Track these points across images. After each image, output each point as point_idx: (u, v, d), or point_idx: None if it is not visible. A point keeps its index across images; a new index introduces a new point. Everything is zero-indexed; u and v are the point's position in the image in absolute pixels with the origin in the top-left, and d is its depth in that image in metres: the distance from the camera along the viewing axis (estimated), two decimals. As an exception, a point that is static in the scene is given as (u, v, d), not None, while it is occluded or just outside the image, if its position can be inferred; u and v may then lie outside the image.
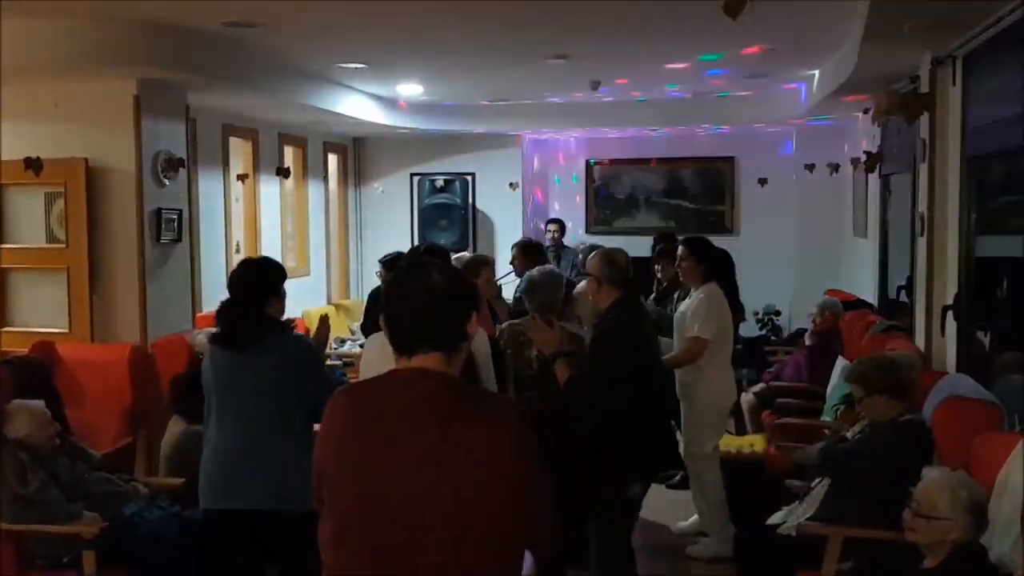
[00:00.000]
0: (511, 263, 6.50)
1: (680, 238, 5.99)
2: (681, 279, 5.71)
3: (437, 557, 1.86)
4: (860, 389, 4.13)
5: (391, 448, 1.90)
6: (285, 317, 3.92)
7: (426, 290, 1.98)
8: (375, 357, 3.54)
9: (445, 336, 1.98)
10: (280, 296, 3.79)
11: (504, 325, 4.64)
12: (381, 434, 1.92)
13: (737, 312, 5.71)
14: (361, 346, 7.50)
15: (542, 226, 10.44)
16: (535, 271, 4.70)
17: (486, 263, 5.36)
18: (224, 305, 3.78)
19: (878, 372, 4.13)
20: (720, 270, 5.54)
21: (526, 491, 1.94)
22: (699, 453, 5.31)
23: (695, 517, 5.54)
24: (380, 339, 3.46)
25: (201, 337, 5.77)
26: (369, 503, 1.90)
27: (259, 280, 3.76)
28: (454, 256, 5.79)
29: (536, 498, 1.97)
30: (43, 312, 5.77)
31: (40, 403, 4.37)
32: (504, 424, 1.96)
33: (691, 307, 5.28)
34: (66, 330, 5.78)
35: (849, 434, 4.41)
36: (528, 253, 6.33)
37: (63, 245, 5.80)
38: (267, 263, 4.00)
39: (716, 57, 6.91)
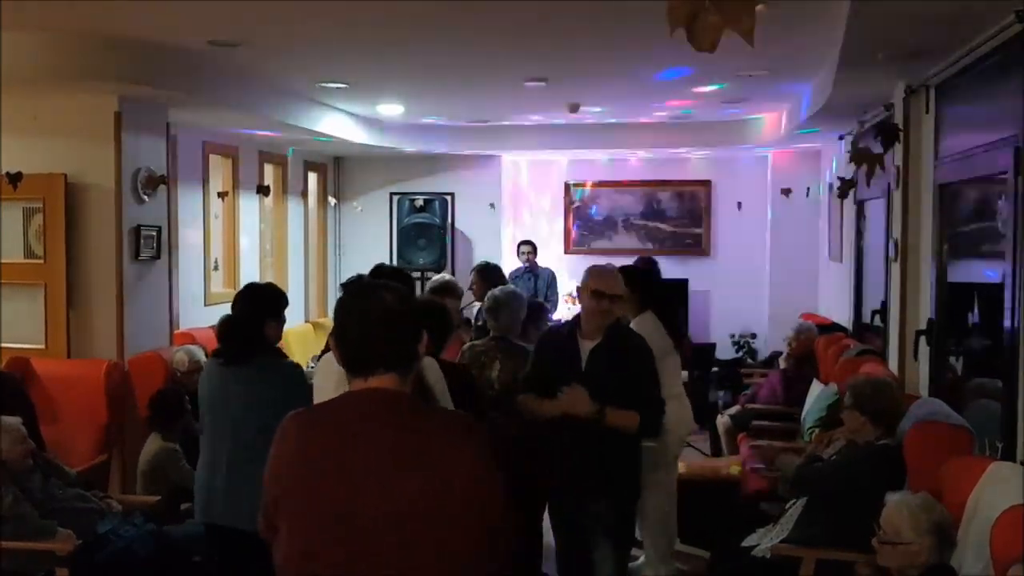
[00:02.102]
0: (470, 287, 6.16)
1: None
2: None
3: (395, 570, 1.85)
4: (851, 399, 4.19)
5: (349, 466, 1.89)
6: None
7: (377, 311, 1.97)
8: (327, 382, 3.32)
9: (397, 357, 1.98)
10: (279, 320, 3.90)
11: (465, 347, 4.63)
12: (338, 452, 1.91)
13: (680, 339, 5.32)
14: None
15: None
16: (497, 290, 4.70)
17: (450, 292, 5.07)
18: (222, 319, 3.94)
19: (871, 392, 4.19)
20: (658, 298, 5.26)
21: (485, 504, 1.92)
22: (649, 482, 4.90)
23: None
24: (330, 363, 3.38)
25: (180, 355, 5.76)
26: (330, 521, 1.89)
27: (259, 300, 3.88)
28: (438, 277, 5.71)
29: (495, 513, 1.95)
30: (19, 327, 5.72)
31: (16, 420, 4.35)
32: (463, 436, 1.96)
33: None
34: (42, 346, 5.75)
35: (824, 455, 4.46)
36: (487, 277, 6.10)
37: (41, 260, 5.78)
38: (270, 287, 4.16)
39: (692, 80, 6.99)
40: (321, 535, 1.89)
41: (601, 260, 7.27)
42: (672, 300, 5.55)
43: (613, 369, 3.82)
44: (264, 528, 2.03)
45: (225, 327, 3.90)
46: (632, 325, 5.07)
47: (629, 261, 7.93)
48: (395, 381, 1.97)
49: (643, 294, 5.15)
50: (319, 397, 3.28)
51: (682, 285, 10.01)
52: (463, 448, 1.94)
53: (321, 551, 1.89)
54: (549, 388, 3.88)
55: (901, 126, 5.42)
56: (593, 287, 3.92)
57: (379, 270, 4.13)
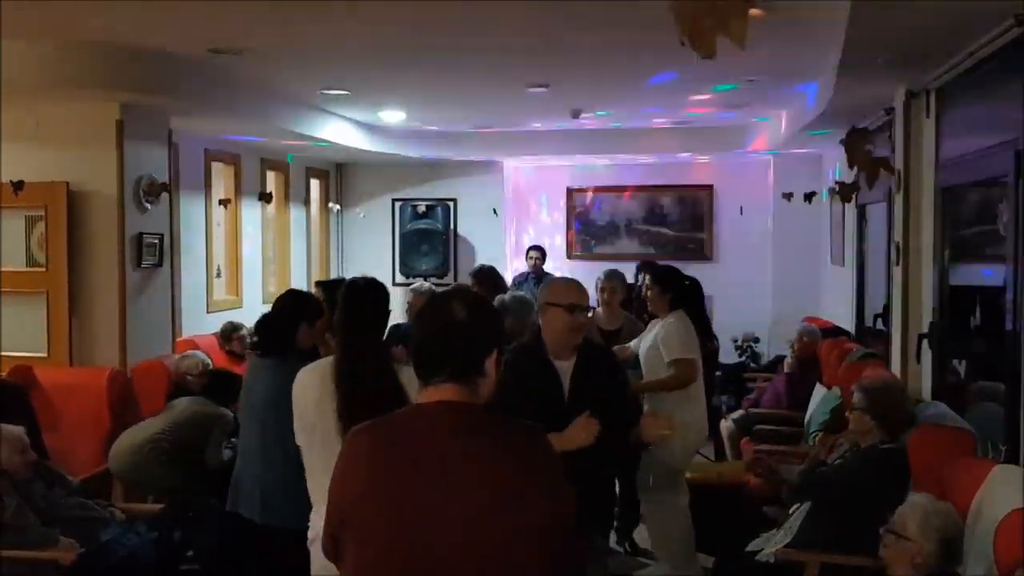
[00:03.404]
0: None
1: (650, 269, 5.74)
2: (649, 308, 5.59)
3: None
4: (865, 401, 4.17)
5: (423, 484, 1.86)
6: None
7: (445, 321, 1.99)
8: (307, 392, 3.22)
9: (459, 367, 1.97)
10: (312, 327, 4.04)
11: None
12: (411, 471, 1.88)
13: (708, 342, 5.44)
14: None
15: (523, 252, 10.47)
16: (507, 296, 4.72)
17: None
18: (260, 317, 4.33)
19: (886, 398, 4.17)
20: (688, 300, 5.31)
21: (560, 519, 1.92)
22: (665, 484, 5.10)
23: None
24: (308, 375, 3.33)
25: (191, 360, 5.75)
26: (405, 544, 1.85)
27: (294, 305, 4.09)
28: (416, 284, 5.70)
29: (566, 527, 1.94)
30: (22, 336, 5.73)
31: (19, 429, 4.34)
32: (533, 452, 1.96)
33: (661, 334, 5.05)
34: (45, 354, 5.75)
35: (828, 460, 4.46)
36: (485, 280, 6.13)
37: (43, 268, 5.78)
38: (309, 295, 4.40)
39: (692, 84, 6.99)
40: (396, 554, 1.85)
41: (604, 265, 7.31)
42: (700, 302, 5.56)
43: (595, 390, 3.47)
44: (330, 551, 1.99)
45: (261, 324, 4.22)
46: (664, 324, 5.13)
47: (631, 266, 8.07)
48: (456, 392, 1.95)
49: (675, 295, 5.21)
50: (300, 408, 3.23)
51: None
52: (533, 459, 1.94)
53: (395, 570, 1.86)
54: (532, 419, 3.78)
55: (902, 130, 5.42)
56: (571, 300, 3.49)
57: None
